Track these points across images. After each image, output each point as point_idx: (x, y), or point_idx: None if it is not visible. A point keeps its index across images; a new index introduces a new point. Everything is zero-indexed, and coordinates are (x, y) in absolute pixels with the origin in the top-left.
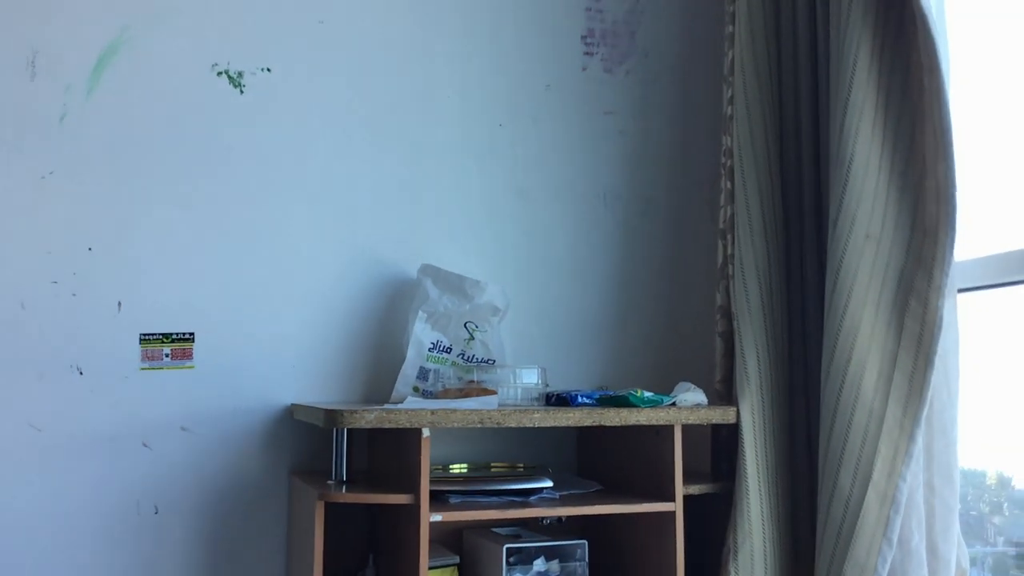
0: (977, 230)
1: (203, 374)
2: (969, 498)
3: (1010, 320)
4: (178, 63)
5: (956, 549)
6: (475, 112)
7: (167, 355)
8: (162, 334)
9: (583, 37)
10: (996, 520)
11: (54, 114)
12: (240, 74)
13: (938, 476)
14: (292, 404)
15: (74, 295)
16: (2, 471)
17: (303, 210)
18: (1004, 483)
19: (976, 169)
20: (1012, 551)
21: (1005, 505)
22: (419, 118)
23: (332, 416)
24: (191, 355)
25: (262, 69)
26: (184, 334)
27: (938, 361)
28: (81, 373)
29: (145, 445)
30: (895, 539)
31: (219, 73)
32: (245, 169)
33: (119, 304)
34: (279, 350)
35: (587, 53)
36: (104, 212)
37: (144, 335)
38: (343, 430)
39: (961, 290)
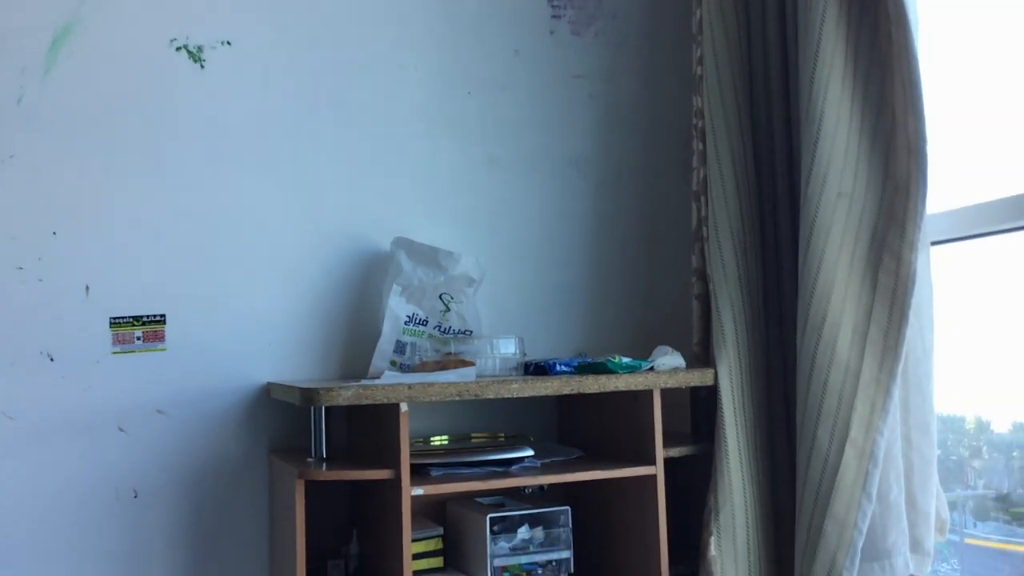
0: (949, 183)
1: (177, 356)
2: (949, 443)
3: (983, 271)
4: (135, 40)
5: (935, 500)
6: (443, 81)
7: (139, 338)
8: (132, 317)
9: (549, 0)
10: (976, 464)
11: (11, 97)
12: (200, 48)
13: (915, 429)
14: (269, 383)
15: (41, 280)
16: None
17: (271, 186)
18: (983, 427)
19: (947, 122)
20: (992, 493)
21: (984, 449)
22: (386, 88)
23: (308, 394)
24: (163, 337)
25: (222, 43)
26: (155, 316)
27: (912, 315)
28: (52, 359)
29: (121, 430)
30: (874, 493)
31: (178, 48)
32: (210, 146)
33: (87, 288)
34: (253, 329)
35: (554, 16)
36: (68, 195)
37: (114, 319)
38: (321, 408)
39: (934, 243)
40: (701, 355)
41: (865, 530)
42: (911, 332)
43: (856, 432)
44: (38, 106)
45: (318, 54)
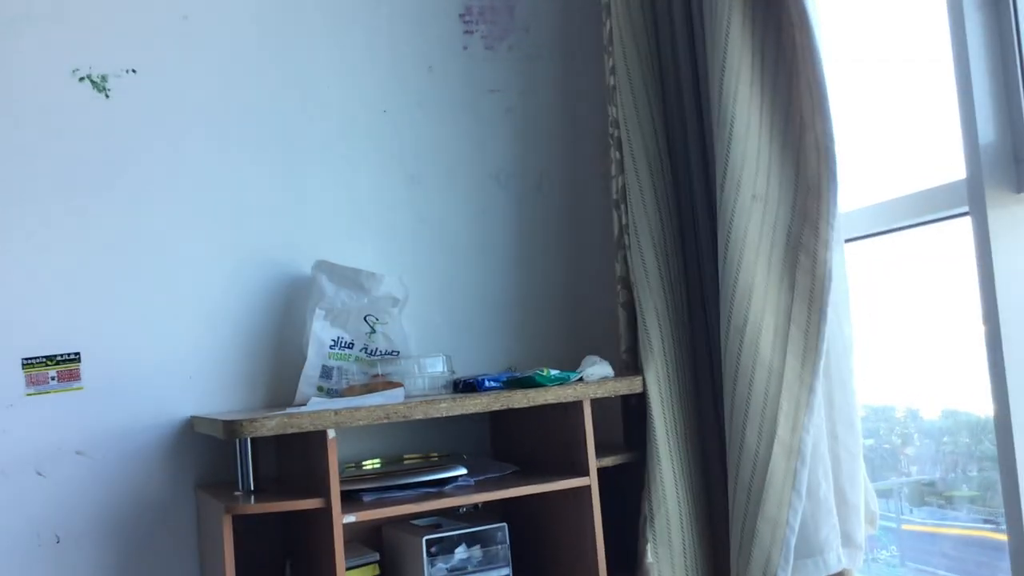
0: (861, 179)
1: (94, 394)
2: (881, 432)
3: (898, 263)
4: (36, 72)
5: (864, 493)
6: (356, 100)
7: (53, 378)
8: (46, 356)
9: (461, 15)
10: (908, 451)
11: None
12: (104, 77)
13: (840, 424)
14: (192, 416)
15: None
16: None
17: (184, 215)
18: (912, 416)
19: (855, 120)
20: (925, 479)
21: (915, 436)
22: (298, 110)
23: (231, 427)
24: (79, 376)
25: (127, 71)
26: (69, 355)
27: (831, 312)
28: None
29: (39, 473)
30: (804, 491)
31: (81, 79)
32: (120, 176)
33: None
34: (173, 362)
35: (467, 32)
36: None
37: (26, 359)
38: (246, 439)
39: (848, 240)
40: (630, 362)
41: (797, 527)
42: (831, 329)
43: (783, 430)
44: None
45: (227, 78)
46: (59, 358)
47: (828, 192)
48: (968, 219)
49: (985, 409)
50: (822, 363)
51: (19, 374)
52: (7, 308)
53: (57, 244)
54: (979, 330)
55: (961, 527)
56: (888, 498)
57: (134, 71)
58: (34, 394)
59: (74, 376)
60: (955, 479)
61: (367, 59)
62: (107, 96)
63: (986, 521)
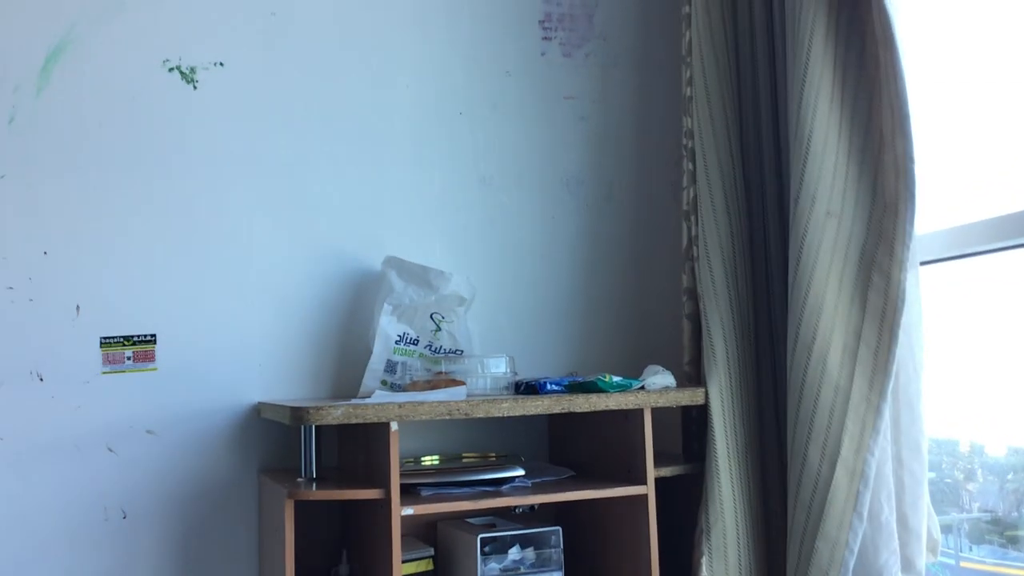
0: (938, 203)
1: (167, 376)
2: (944, 466)
3: (973, 290)
4: (128, 60)
5: (927, 520)
6: (434, 101)
7: (129, 358)
8: (123, 337)
9: (540, 22)
10: (970, 487)
11: (3, 116)
12: (193, 69)
13: (906, 449)
14: (259, 402)
15: (31, 300)
16: None
17: (262, 206)
18: (976, 450)
19: (935, 141)
20: (987, 516)
21: (979, 471)
22: (377, 109)
23: (298, 413)
24: (153, 357)
25: (215, 64)
26: (146, 336)
27: (902, 334)
28: (41, 379)
29: (110, 450)
30: (865, 513)
31: (171, 69)
32: (201, 166)
33: (77, 308)
34: (244, 348)
35: (545, 38)
36: (58, 214)
37: (104, 338)
38: (311, 427)
39: (923, 263)
40: (692, 374)
41: (856, 550)
42: (901, 351)
43: (847, 451)
44: (30, 126)
45: (310, 75)
46: (136, 339)
47: (905, 212)
48: None
49: None
50: (891, 385)
51: (96, 352)
52: (88, 288)
53: (139, 228)
54: None
55: (1022, 567)
56: (948, 534)
57: (222, 64)
58: (109, 372)
59: (149, 357)
60: (1019, 518)
61: (446, 61)
62: (195, 87)
63: None
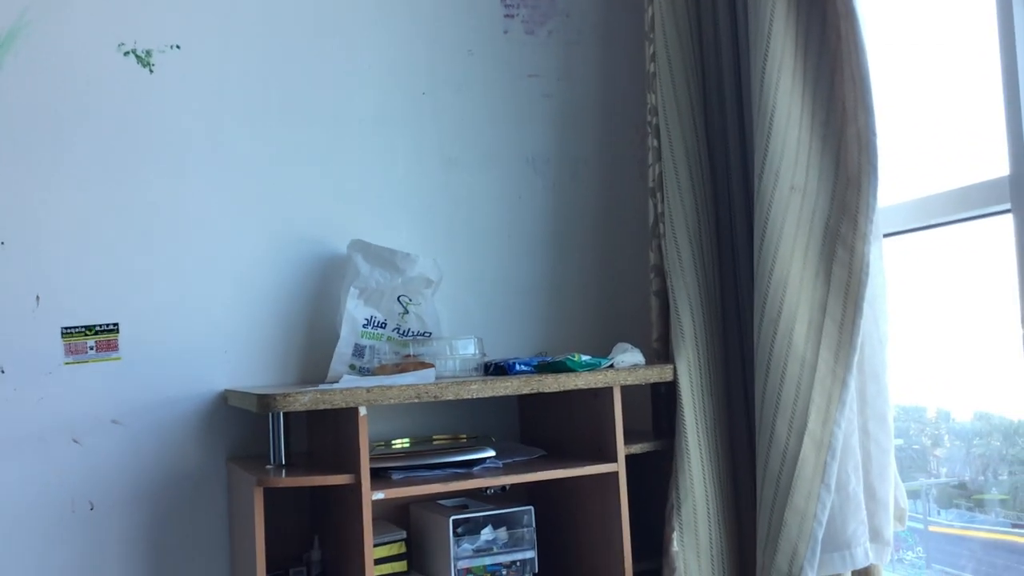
0: (900, 175)
1: (131, 365)
2: (911, 433)
3: (936, 260)
4: (83, 45)
5: (893, 490)
6: (396, 81)
7: (91, 348)
8: (85, 326)
9: (503, 0)
10: (938, 452)
11: None
12: (148, 52)
13: (872, 420)
14: (226, 390)
15: None
16: None
17: (224, 191)
18: (943, 417)
19: (897, 114)
20: (954, 481)
21: (945, 437)
22: (338, 90)
23: (265, 400)
24: (117, 346)
25: (171, 46)
26: (108, 325)
27: (867, 307)
28: (3, 372)
29: (75, 441)
30: (833, 485)
31: (126, 53)
32: (160, 151)
33: (37, 298)
34: (209, 335)
35: (508, 16)
36: (14, 204)
37: (66, 328)
38: (279, 413)
39: (886, 235)
40: (661, 351)
41: (825, 521)
42: (866, 323)
43: (814, 424)
44: None
45: (269, 56)
46: (98, 328)
47: (868, 185)
48: (1010, 216)
49: (1019, 413)
50: (856, 357)
51: (58, 343)
52: (48, 277)
53: (98, 216)
54: (1016, 332)
55: (989, 530)
56: (916, 499)
57: (178, 47)
58: (72, 363)
59: (112, 346)
60: (985, 482)
61: (408, 41)
62: (151, 71)
63: (1014, 525)
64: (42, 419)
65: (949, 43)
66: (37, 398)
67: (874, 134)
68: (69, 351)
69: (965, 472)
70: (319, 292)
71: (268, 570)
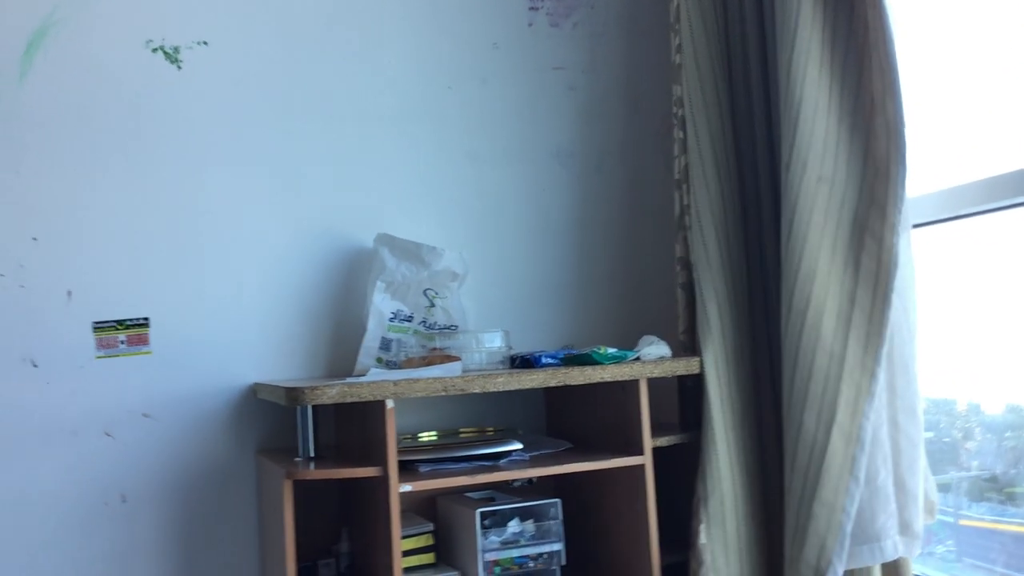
0: (929, 165)
1: (162, 358)
2: (941, 425)
3: (966, 251)
4: (111, 42)
5: (923, 482)
6: (421, 75)
7: (123, 342)
8: (116, 321)
9: None
10: (969, 445)
11: None
12: (176, 49)
13: (902, 412)
14: (255, 383)
15: (22, 287)
16: None
17: (252, 185)
18: (974, 409)
19: (926, 103)
20: (985, 474)
21: (977, 430)
22: (364, 85)
23: (293, 394)
24: (147, 340)
25: (198, 43)
26: (139, 319)
27: (895, 298)
28: (35, 366)
29: (107, 434)
30: (862, 477)
31: (154, 50)
32: (190, 146)
33: (69, 293)
34: (238, 329)
35: (532, 8)
36: (46, 200)
37: (97, 323)
38: (307, 407)
39: (916, 225)
40: (687, 343)
41: (854, 514)
42: (895, 315)
43: (842, 416)
44: (14, 111)
45: (295, 52)
46: (129, 322)
47: (897, 175)
48: None
49: None
50: (885, 349)
51: (90, 337)
52: (80, 273)
53: (128, 212)
54: None
55: (1020, 524)
56: (947, 492)
57: (206, 43)
58: (104, 357)
59: (143, 340)
60: (1017, 475)
61: (433, 35)
62: (179, 67)
63: None
64: (74, 413)
65: (979, 31)
66: (70, 392)
67: (903, 124)
68: (101, 345)
69: (996, 465)
70: (346, 286)
71: (297, 562)
